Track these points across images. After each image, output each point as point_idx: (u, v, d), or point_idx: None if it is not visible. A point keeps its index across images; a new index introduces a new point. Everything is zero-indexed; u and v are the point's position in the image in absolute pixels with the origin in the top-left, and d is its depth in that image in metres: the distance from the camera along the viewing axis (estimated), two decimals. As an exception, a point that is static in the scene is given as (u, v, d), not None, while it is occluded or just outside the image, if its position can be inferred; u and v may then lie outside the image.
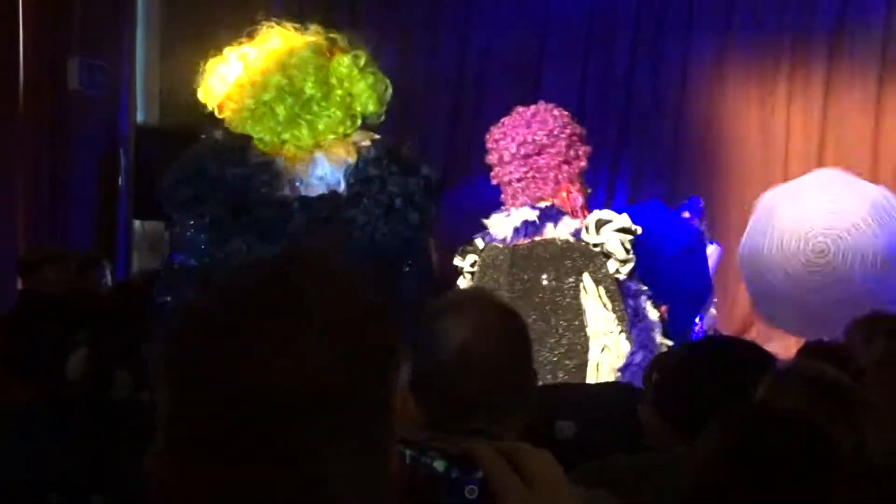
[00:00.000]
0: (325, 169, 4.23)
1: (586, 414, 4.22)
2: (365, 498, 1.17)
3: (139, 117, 10.66)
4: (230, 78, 4.52)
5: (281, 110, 4.25)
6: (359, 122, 4.33)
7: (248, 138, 4.32)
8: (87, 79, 9.65)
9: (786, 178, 11.08)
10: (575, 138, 6.23)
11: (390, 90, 4.46)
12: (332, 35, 4.49)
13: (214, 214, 4.13)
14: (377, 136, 4.45)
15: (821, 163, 11.06)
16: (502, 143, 6.14)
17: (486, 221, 6.23)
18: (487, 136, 6.18)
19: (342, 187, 4.20)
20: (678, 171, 11.47)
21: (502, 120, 6.24)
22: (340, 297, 1.19)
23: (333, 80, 4.29)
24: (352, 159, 4.27)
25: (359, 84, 4.34)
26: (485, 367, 2.39)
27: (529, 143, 6.10)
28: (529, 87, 11.79)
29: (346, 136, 4.28)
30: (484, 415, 1.40)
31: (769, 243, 7.90)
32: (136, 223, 10.40)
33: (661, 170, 11.66)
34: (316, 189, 4.20)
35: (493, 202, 6.45)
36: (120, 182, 10.11)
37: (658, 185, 11.58)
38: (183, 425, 1.16)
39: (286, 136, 4.26)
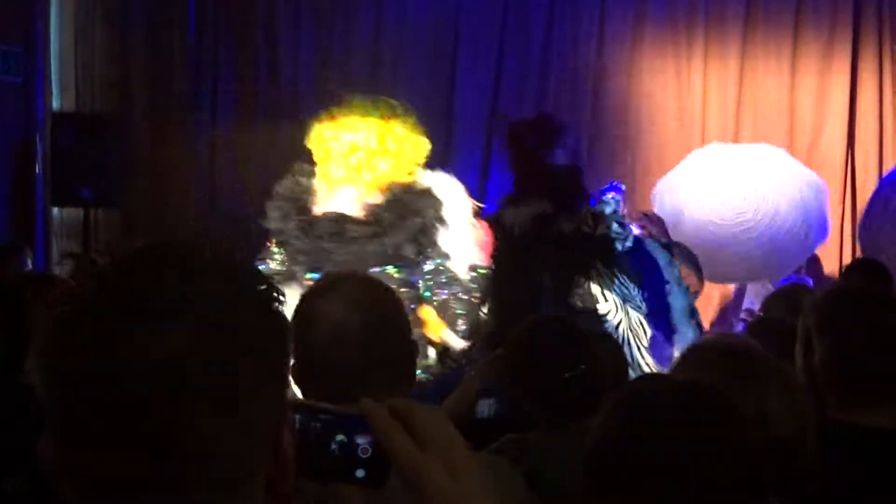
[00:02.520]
0: None
1: (502, 391, 4.25)
2: (248, 485, 1.18)
3: (54, 104, 10.53)
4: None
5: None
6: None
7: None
8: (2, 65, 9.55)
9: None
10: None
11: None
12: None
13: None
14: None
15: (737, 135, 11.15)
16: None
17: None
18: None
19: None
20: (596, 145, 11.51)
21: None
22: (218, 287, 1.19)
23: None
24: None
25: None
26: (360, 343, 2.44)
27: None
28: (446, 58, 11.77)
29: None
30: (362, 390, 1.40)
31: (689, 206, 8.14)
32: (54, 210, 10.29)
33: (577, 144, 11.67)
34: None
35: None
36: (36, 169, 10.00)
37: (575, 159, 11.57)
38: (59, 414, 1.15)
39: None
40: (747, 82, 11.38)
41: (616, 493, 1.83)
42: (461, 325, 4.87)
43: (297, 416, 1.21)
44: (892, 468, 2.87)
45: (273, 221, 4.99)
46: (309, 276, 4.78)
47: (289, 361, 1.28)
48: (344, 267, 4.70)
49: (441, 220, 4.88)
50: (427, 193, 4.93)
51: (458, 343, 5.24)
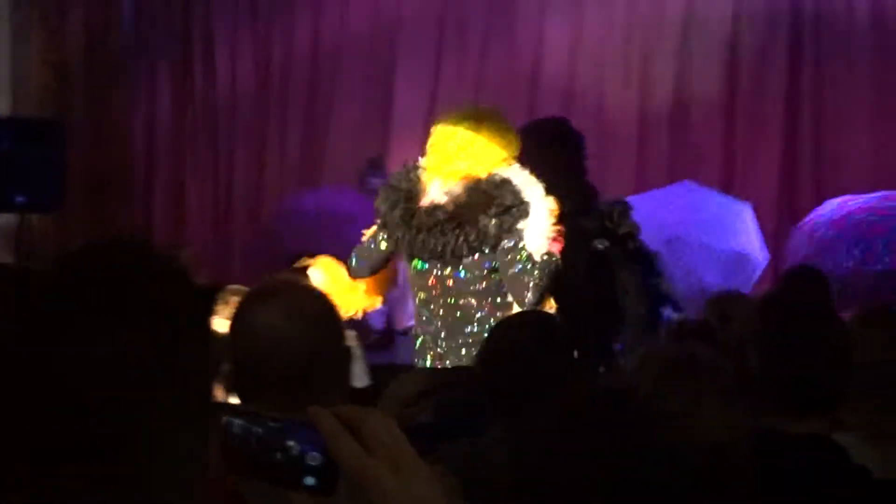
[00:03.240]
0: None
1: (441, 399, 4.24)
2: (179, 485, 1.17)
3: (-10, 108, 10.42)
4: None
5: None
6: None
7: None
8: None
9: (642, 165, 11.32)
10: None
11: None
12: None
13: None
14: None
15: (671, 145, 11.26)
16: None
17: None
18: None
19: None
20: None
21: None
22: (158, 287, 1.19)
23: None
24: None
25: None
26: (297, 350, 2.47)
27: None
28: (384, 66, 11.79)
29: None
30: (299, 396, 1.40)
31: None
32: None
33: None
34: None
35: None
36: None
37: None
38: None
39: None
40: (683, 90, 11.47)
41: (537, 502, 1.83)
42: (530, 299, 5.21)
43: (237, 421, 1.20)
44: (823, 476, 2.90)
45: (382, 207, 5.51)
46: (415, 264, 5.46)
47: (215, 364, 1.28)
48: (437, 256, 5.33)
49: (521, 206, 5.32)
50: (506, 182, 5.39)
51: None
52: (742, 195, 10.95)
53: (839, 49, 11.33)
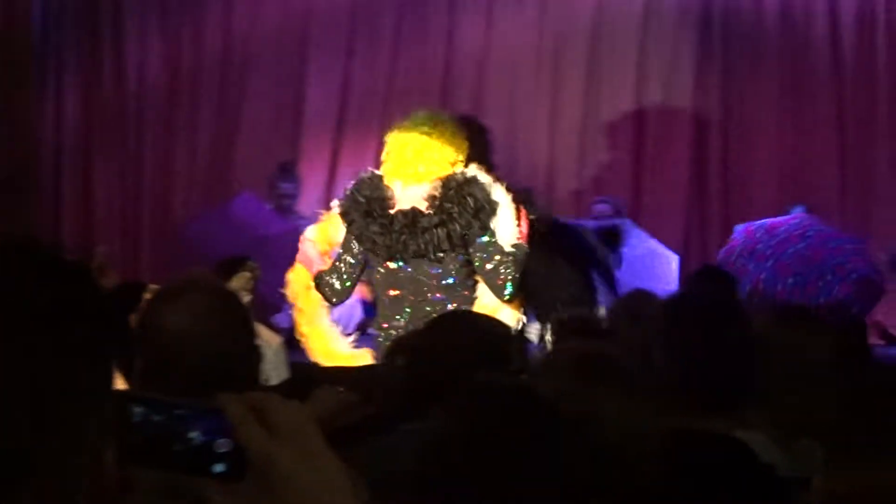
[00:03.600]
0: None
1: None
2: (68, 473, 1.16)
3: None
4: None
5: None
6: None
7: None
8: None
9: (552, 165, 11.37)
10: None
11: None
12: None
13: None
14: None
15: (584, 146, 11.34)
16: None
17: None
18: None
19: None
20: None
21: None
22: (52, 287, 1.18)
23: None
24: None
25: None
26: (205, 349, 2.47)
27: None
28: (295, 61, 11.75)
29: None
30: (205, 394, 1.39)
31: None
32: None
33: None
34: None
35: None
36: None
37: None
38: None
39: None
40: (593, 93, 11.54)
41: (440, 499, 1.83)
42: (507, 291, 5.63)
43: (138, 409, 1.19)
44: (729, 474, 2.92)
45: (355, 219, 5.84)
46: (391, 265, 5.75)
47: (112, 365, 1.27)
48: (419, 255, 5.67)
49: (490, 202, 5.70)
50: (473, 178, 5.78)
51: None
52: (651, 198, 11.07)
53: (748, 51, 11.45)
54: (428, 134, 5.84)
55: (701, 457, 2.87)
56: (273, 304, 7.71)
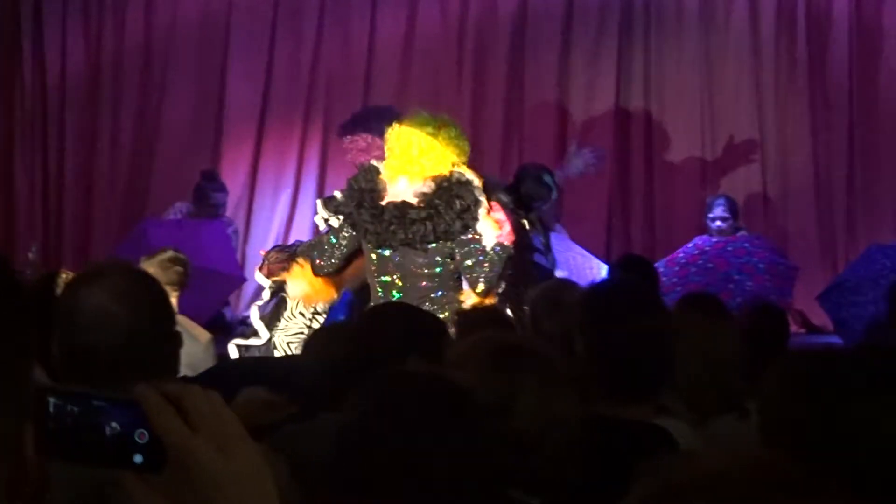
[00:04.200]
0: None
1: (276, 384, 4.22)
2: None
3: None
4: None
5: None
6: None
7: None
8: None
9: (475, 158, 11.35)
10: None
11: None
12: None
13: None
14: None
15: (511, 136, 11.36)
16: None
17: None
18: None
19: None
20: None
21: None
22: None
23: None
24: None
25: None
26: (121, 333, 2.47)
27: None
28: (217, 54, 11.67)
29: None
30: (125, 380, 1.38)
31: None
32: None
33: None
34: None
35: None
36: None
37: (347, 169, 11.57)
38: None
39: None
40: (516, 85, 11.56)
41: (354, 490, 1.83)
42: (480, 287, 6.08)
43: (54, 401, 1.17)
44: (649, 461, 2.93)
45: (346, 207, 6.33)
46: (378, 251, 6.22)
47: (30, 353, 1.26)
48: (406, 244, 6.13)
49: (478, 203, 6.17)
50: (467, 181, 6.23)
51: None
52: (572, 191, 11.10)
53: (670, 42, 11.52)
54: (433, 135, 6.25)
55: (620, 444, 2.88)
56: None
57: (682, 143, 11.43)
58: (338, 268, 6.44)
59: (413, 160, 6.21)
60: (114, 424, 1.18)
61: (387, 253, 6.21)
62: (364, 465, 1.83)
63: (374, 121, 7.40)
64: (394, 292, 6.14)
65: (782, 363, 2.25)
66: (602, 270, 8.20)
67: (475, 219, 6.15)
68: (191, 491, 1.17)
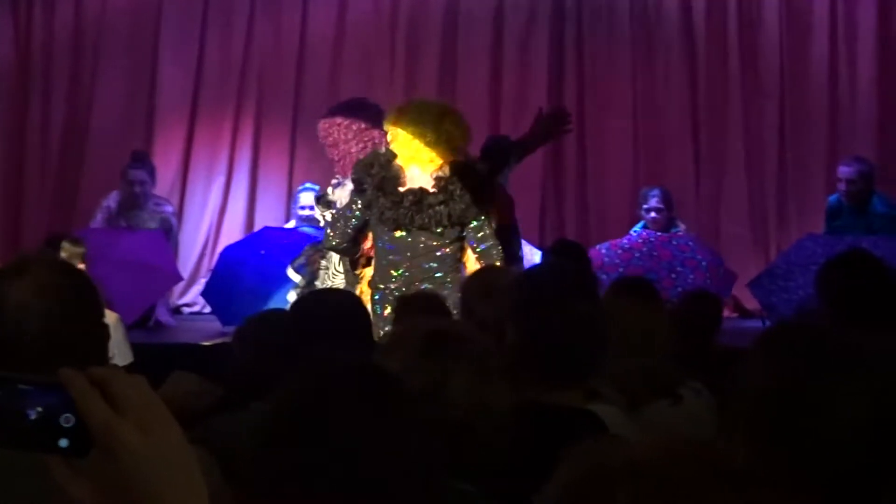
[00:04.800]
0: None
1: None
2: None
3: None
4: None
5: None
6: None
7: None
8: None
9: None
10: None
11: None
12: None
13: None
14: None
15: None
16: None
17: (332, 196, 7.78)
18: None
19: None
20: (300, 142, 11.54)
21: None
22: None
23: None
24: None
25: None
26: (46, 327, 2.45)
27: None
28: (148, 48, 11.59)
29: None
30: (52, 368, 1.36)
31: None
32: None
33: (282, 136, 11.64)
34: None
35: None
36: None
37: (280, 156, 11.59)
38: None
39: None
40: (448, 80, 11.55)
41: (282, 483, 1.82)
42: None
43: None
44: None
45: (367, 189, 6.57)
46: (397, 234, 6.49)
47: None
48: (423, 227, 6.42)
49: (487, 189, 6.60)
50: (476, 168, 6.66)
51: None
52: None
53: (601, 33, 11.56)
54: (438, 123, 6.52)
55: (551, 429, 2.88)
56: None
57: (615, 132, 11.48)
58: (348, 241, 6.73)
59: (420, 149, 6.50)
60: (39, 408, 1.17)
61: (403, 235, 6.50)
62: (292, 456, 1.81)
63: (359, 110, 7.84)
64: (401, 270, 6.40)
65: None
66: (535, 256, 8.21)
67: (481, 202, 6.53)
68: (116, 474, 1.16)
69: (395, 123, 6.55)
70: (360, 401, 1.86)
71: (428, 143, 6.47)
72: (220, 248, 10.55)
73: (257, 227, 10.75)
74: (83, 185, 11.17)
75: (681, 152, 11.40)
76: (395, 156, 6.62)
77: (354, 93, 11.17)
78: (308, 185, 10.09)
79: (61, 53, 11.65)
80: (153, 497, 1.17)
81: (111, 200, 9.66)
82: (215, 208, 11.51)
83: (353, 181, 6.78)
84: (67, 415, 1.17)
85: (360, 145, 7.64)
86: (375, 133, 7.48)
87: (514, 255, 7.01)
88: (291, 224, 9.97)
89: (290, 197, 10.79)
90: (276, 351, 3.49)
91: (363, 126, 7.71)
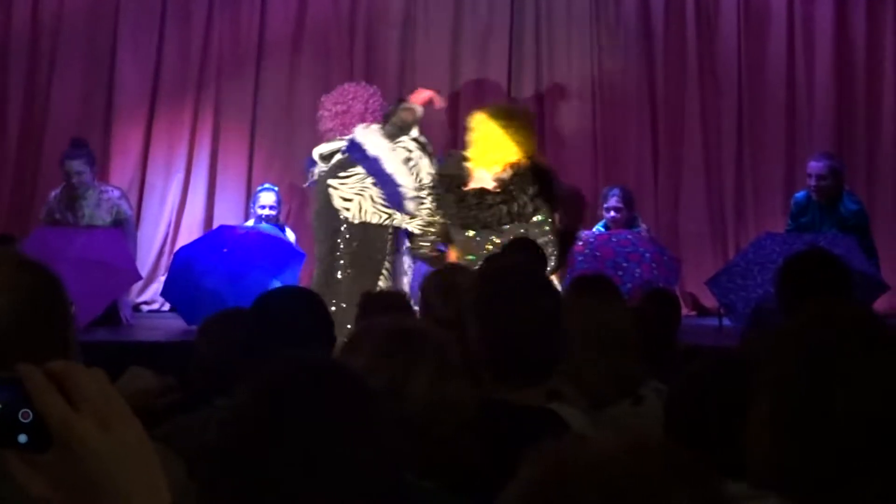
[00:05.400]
0: None
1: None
2: None
3: None
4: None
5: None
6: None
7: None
8: None
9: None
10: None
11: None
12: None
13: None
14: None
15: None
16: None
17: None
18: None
19: None
20: (258, 142, 11.51)
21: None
22: None
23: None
24: None
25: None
26: (7, 325, 2.42)
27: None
28: (106, 46, 11.52)
29: None
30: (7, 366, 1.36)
31: None
32: None
33: (241, 134, 11.59)
34: None
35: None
36: None
37: (239, 154, 11.54)
38: None
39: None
40: (408, 70, 11.54)
41: (244, 482, 1.81)
42: (551, 265, 6.88)
43: None
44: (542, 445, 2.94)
45: (440, 193, 7.20)
46: (468, 234, 7.04)
47: None
48: (485, 226, 7.02)
49: (546, 189, 7.05)
50: (538, 169, 7.08)
51: None
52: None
53: (561, 28, 11.56)
54: (506, 127, 7.04)
55: (512, 428, 2.89)
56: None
57: (574, 131, 11.49)
58: (434, 244, 7.37)
59: (491, 151, 7.01)
60: None
61: (471, 233, 7.02)
62: (253, 455, 1.81)
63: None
64: (475, 265, 6.77)
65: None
66: None
67: (544, 202, 6.98)
68: (76, 470, 1.16)
69: (489, 116, 7.08)
70: (320, 399, 1.86)
71: (499, 142, 6.99)
72: (178, 245, 10.49)
73: (216, 225, 10.71)
74: (40, 184, 11.06)
75: (639, 151, 11.43)
76: (465, 158, 7.16)
77: (313, 83, 11.20)
78: (267, 185, 10.10)
79: (18, 49, 11.56)
80: (113, 493, 1.16)
81: (52, 195, 9.55)
82: (174, 206, 11.44)
83: (431, 187, 7.38)
84: (25, 410, 1.16)
85: (363, 106, 8.38)
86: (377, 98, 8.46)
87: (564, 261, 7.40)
88: (250, 223, 9.95)
89: (250, 195, 10.76)
90: (238, 348, 3.49)
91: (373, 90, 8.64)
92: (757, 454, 1.97)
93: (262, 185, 10.20)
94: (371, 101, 8.65)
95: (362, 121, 8.33)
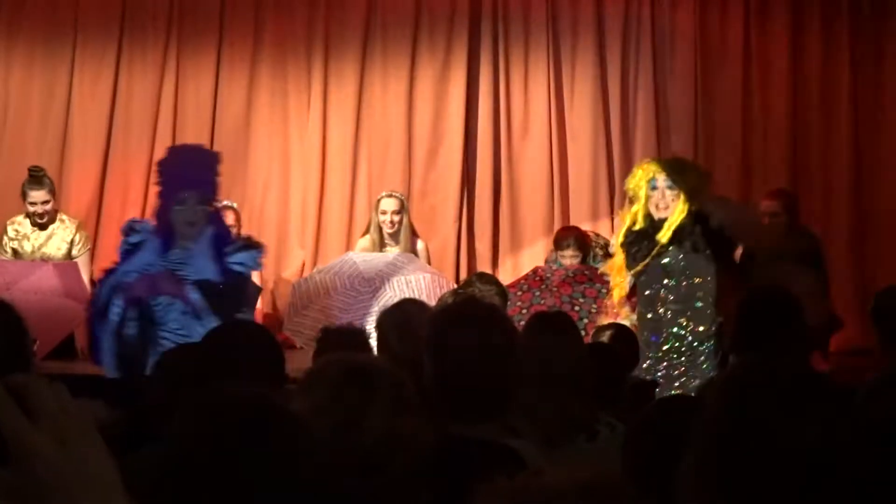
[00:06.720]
0: None
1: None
2: None
3: None
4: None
5: None
6: None
7: None
8: None
9: (324, 174, 11.26)
10: None
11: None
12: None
13: None
14: None
15: (357, 154, 11.32)
16: None
17: None
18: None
19: None
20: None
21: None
22: None
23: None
24: None
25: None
26: None
27: None
28: (65, 60, 11.46)
29: None
30: None
31: None
32: None
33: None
34: None
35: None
36: None
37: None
38: None
39: None
40: (365, 101, 11.51)
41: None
42: None
43: None
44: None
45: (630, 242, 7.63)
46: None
47: None
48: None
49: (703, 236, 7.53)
50: (699, 217, 7.46)
51: None
52: (424, 199, 11.06)
53: (519, 45, 11.54)
54: (678, 175, 7.49)
55: (467, 463, 2.88)
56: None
57: (534, 151, 11.42)
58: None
59: (660, 200, 7.45)
60: None
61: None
62: (183, 493, 1.79)
63: None
64: (656, 305, 7.42)
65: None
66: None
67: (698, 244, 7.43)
68: (34, 487, 1.14)
69: (659, 168, 7.51)
70: (248, 436, 1.85)
71: (684, 191, 7.40)
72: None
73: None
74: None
75: (595, 187, 11.40)
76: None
77: (271, 101, 11.19)
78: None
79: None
80: None
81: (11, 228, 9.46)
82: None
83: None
84: None
85: None
86: None
87: None
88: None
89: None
90: (188, 384, 3.47)
91: None
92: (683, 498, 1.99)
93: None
94: None
95: None
